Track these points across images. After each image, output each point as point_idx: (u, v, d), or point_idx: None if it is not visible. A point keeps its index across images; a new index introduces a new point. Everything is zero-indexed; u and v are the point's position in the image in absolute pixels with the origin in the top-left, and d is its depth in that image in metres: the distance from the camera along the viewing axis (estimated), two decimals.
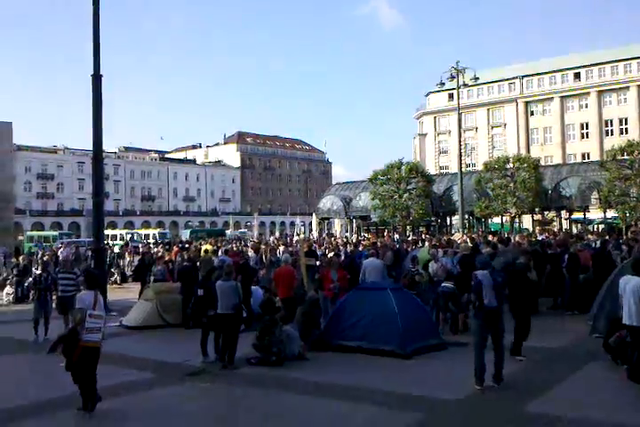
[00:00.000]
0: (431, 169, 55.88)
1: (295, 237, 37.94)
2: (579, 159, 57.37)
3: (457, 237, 22.86)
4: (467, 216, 35.95)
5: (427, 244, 17.65)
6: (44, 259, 19.95)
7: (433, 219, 39.39)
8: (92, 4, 16.68)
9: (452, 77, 28.09)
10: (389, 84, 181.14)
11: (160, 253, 21.05)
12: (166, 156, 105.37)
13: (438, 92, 63.62)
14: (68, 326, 11.70)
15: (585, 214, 35.72)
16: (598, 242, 16.28)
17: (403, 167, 36.31)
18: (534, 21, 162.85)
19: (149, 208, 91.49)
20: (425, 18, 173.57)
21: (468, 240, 18.79)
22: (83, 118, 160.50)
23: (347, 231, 43.27)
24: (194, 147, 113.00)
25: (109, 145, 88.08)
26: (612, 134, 58.90)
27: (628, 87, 58.83)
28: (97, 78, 16.65)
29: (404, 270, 14.26)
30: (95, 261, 17.06)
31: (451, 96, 63.43)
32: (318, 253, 18.57)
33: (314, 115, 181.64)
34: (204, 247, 21.15)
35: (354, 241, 25.19)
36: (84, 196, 79.31)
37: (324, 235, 38.09)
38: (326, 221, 48.94)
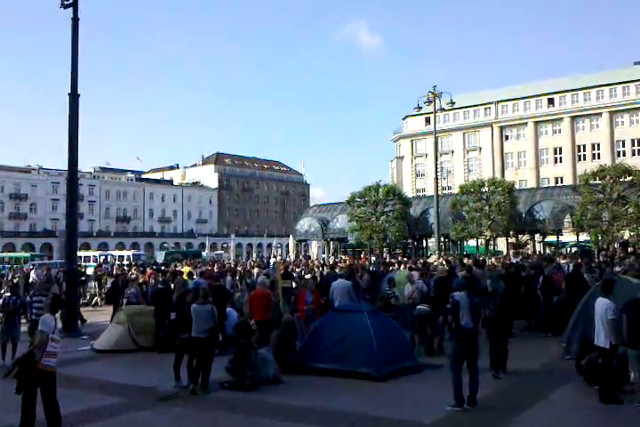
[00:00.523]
0: (408, 192, 56.34)
1: (272, 260, 37.74)
2: (552, 183, 58.42)
3: (433, 259, 22.99)
4: (442, 239, 36.22)
5: (402, 266, 17.70)
6: (14, 281, 19.52)
7: (409, 241, 39.63)
8: (72, 21, 16.72)
9: (429, 102, 28.54)
10: (368, 107, 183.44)
11: (134, 275, 20.76)
12: (143, 176, 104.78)
13: (415, 115, 64.53)
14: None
15: (558, 237, 36.23)
16: (571, 265, 16.49)
17: (380, 190, 36.57)
18: (510, 47, 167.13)
19: (124, 229, 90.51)
20: (404, 42, 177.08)
21: (444, 262, 18.90)
22: (58, 138, 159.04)
23: (324, 253, 43.22)
24: (171, 168, 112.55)
25: (85, 165, 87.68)
26: (584, 159, 60.13)
27: (600, 113, 60.36)
28: (74, 97, 16.60)
29: (380, 293, 14.28)
30: (67, 283, 16.76)
31: (427, 120, 64.38)
32: (295, 275, 18.49)
33: (292, 137, 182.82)
34: (184, 269, 20.90)
35: (330, 263, 25.15)
36: (57, 216, 78.26)
37: (300, 257, 37.98)
38: (303, 243, 48.86)
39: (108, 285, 21.34)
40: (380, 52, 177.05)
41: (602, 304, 7.88)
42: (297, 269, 21.01)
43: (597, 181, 31.42)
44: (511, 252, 32.70)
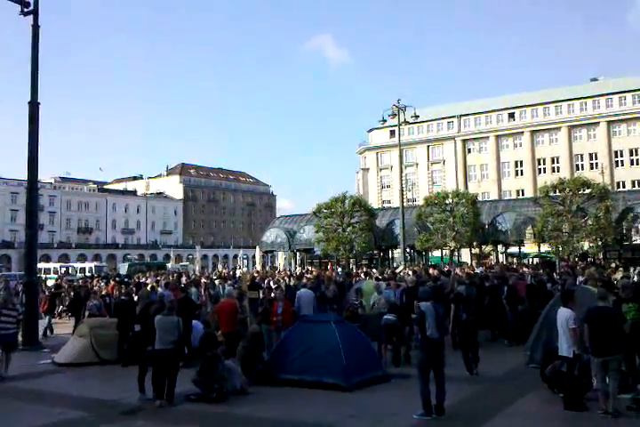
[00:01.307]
0: (374, 203, 56.77)
1: (238, 271, 37.47)
2: (514, 195, 59.65)
3: (399, 269, 23.16)
4: (408, 249, 36.54)
5: (367, 278, 17.81)
6: None
7: (375, 252, 39.84)
8: (32, 29, 16.45)
9: (394, 115, 28.92)
10: (335, 120, 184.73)
11: (96, 287, 20.36)
12: (105, 187, 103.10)
13: (380, 128, 65.24)
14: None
15: (520, 248, 36.92)
16: (530, 276, 16.83)
17: (346, 201, 36.72)
18: (472, 62, 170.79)
19: (86, 240, 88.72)
20: (369, 55, 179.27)
21: (410, 273, 19.07)
22: (16, 146, 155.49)
23: (290, 264, 43.11)
24: (135, 178, 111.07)
25: (45, 175, 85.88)
26: (544, 172, 61.60)
27: (559, 128, 62.03)
28: (34, 106, 16.29)
29: (346, 303, 14.31)
30: (26, 295, 16.33)
31: (392, 133, 65.15)
32: (263, 285, 18.39)
33: (259, 148, 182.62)
34: (148, 283, 20.51)
35: (297, 274, 25.10)
36: (16, 227, 76.19)
37: (267, 268, 37.80)
38: (270, 254, 48.68)
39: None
40: (346, 66, 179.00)
41: (563, 314, 8.05)
42: (264, 281, 20.87)
43: (557, 194, 32.19)
44: (474, 262, 33.18)
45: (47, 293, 21.15)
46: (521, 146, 64.06)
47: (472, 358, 10.49)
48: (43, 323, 17.57)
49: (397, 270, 22.22)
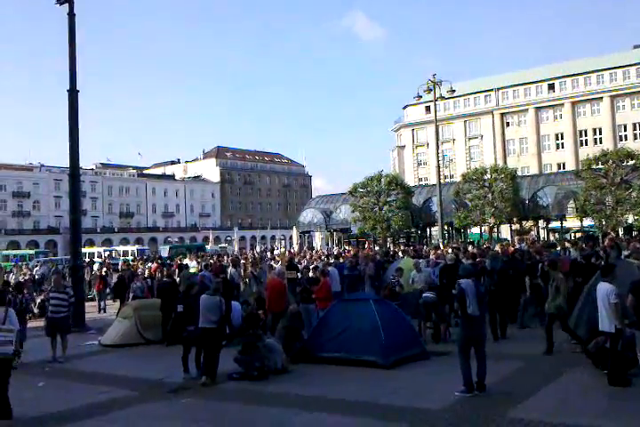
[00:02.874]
0: (410, 181, 56.23)
1: (276, 251, 37.79)
2: (554, 169, 58.22)
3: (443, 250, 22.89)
4: (446, 227, 36.18)
5: (405, 256, 17.69)
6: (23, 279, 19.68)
7: (413, 230, 39.59)
8: (68, 17, 16.67)
9: (429, 90, 28.39)
10: (369, 97, 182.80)
11: (139, 270, 20.83)
12: (144, 172, 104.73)
13: (415, 104, 64.26)
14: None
15: (562, 223, 36.18)
16: (572, 250, 16.40)
17: (382, 179, 36.52)
18: (510, 34, 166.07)
19: (128, 225, 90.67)
20: (403, 30, 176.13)
21: (450, 250, 18.85)
22: (59, 135, 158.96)
23: (327, 244, 43.25)
24: (172, 162, 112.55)
25: (86, 162, 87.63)
26: (586, 144, 59.88)
27: (601, 98, 59.99)
28: (73, 93, 16.56)
29: (384, 282, 14.29)
30: (72, 278, 16.82)
31: (428, 109, 64.17)
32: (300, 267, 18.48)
33: (293, 129, 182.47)
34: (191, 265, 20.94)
35: (335, 253, 25.17)
36: (60, 213, 78.33)
37: (304, 248, 38.02)
38: (307, 235, 48.89)
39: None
40: (380, 42, 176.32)
41: (604, 289, 7.86)
42: (302, 261, 20.98)
43: (600, 166, 31.32)
44: (515, 238, 32.67)
45: (99, 273, 22.02)
46: (561, 118, 62.29)
47: (499, 321, 11.27)
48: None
49: (437, 250, 21.96)
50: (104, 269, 23.46)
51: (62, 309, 11.54)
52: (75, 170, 16.95)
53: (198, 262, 21.85)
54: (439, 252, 18.32)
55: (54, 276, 15.47)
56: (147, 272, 20.08)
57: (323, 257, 22.33)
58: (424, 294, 11.80)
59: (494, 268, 13.01)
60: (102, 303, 20.43)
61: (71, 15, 16.61)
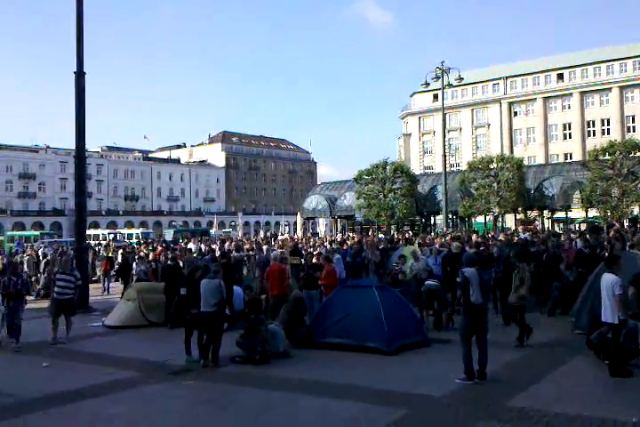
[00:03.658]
0: (416, 169, 56.01)
1: (280, 237, 37.82)
2: (561, 159, 57.89)
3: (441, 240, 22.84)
4: (450, 215, 36.14)
5: (407, 244, 17.70)
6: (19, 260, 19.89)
7: (417, 218, 39.56)
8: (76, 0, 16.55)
9: (437, 78, 28.15)
10: (376, 84, 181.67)
11: (143, 253, 20.92)
12: (150, 155, 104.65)
13: (423, 92, 63.80)
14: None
15: (567, 214, 36.06)
16: (578, 240, 16.37)
17: (388, 167, 36.41)
18: (520, 23, 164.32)
19: (133, 208, 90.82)
20: (412, 18, 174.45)
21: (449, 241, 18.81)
22: (65, 117, 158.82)
23: (331, 231, 43.29)
24: (178, 146, 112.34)
25: (92, 144, 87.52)
26: (593, 135, 59.48)
27: (609, 88, 59.45)
28: (80, 76, 16.50)
29: (387, 269, 14.32)
30: (77, 260, 16.90)
31: (435, 97, 63.73)
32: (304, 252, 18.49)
33: (299, 115, 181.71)
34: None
35: (339, 240, 25.17)
36: (66, 195, 78.56)
37: (308, 234, 38.06)
38: (311, 221, 48.93)
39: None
40: (390, 29, 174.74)
41: (608, 280, 7.85)
42: (306, 246, 21.00)
43: (607, 157, 31.12)
44: (520, 228, 32.59)
45: (105, 255, 22.21)
46: (569, 108, 61.80)
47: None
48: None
49: (443, 238, 21.92)
50: (111, 249, 23.68)
51: (68, 291, 11.60)
52: (80, 152, 16.95)
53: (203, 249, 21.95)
54: (442, 240, 18.32)
55: (62, 257, 15.51)
56: (151, 255, 20.16)
57: (326, 243, 22.33)
58: (427, 282, 11.82)
59: (501, 255, 13.18)
60: (107, 284, 20.69)
61: None
